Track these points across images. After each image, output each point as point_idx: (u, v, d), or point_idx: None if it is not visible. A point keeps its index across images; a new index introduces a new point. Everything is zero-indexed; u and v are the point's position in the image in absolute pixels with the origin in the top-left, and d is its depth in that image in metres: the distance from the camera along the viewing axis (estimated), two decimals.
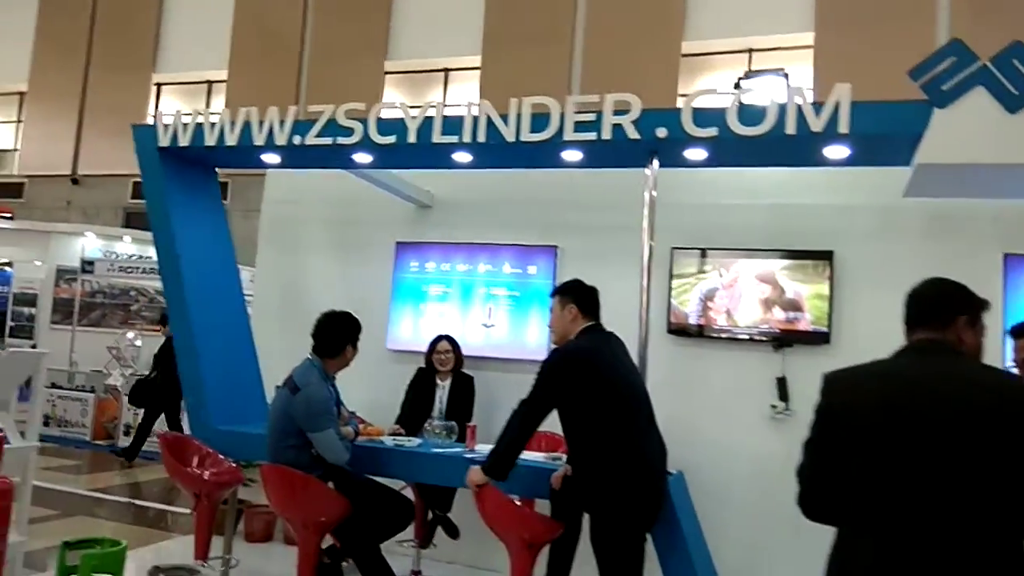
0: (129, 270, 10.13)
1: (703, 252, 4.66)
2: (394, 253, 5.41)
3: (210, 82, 19.98)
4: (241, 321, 4.72)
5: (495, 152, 3.93)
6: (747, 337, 4.51)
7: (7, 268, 14.98)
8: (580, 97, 3.67)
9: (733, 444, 4.40)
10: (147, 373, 8.73)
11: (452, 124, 3.87)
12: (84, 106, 20.17)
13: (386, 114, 4.10)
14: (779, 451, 4.38)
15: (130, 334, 9.57)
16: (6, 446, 3.80)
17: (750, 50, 15.80)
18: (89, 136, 20.17)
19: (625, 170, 4.33)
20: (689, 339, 4.63)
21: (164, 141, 4.43)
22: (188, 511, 6.20)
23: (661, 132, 3.49)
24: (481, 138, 3.80)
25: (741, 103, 3.38)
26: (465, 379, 4.80)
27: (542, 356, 4.91)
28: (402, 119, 3.98)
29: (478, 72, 17.00)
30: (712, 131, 3.41)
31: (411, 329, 5.30)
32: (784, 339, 4.41)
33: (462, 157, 4.07)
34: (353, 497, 3.42)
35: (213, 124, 4.33)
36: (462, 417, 4.62)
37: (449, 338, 4.82)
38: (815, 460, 1.90)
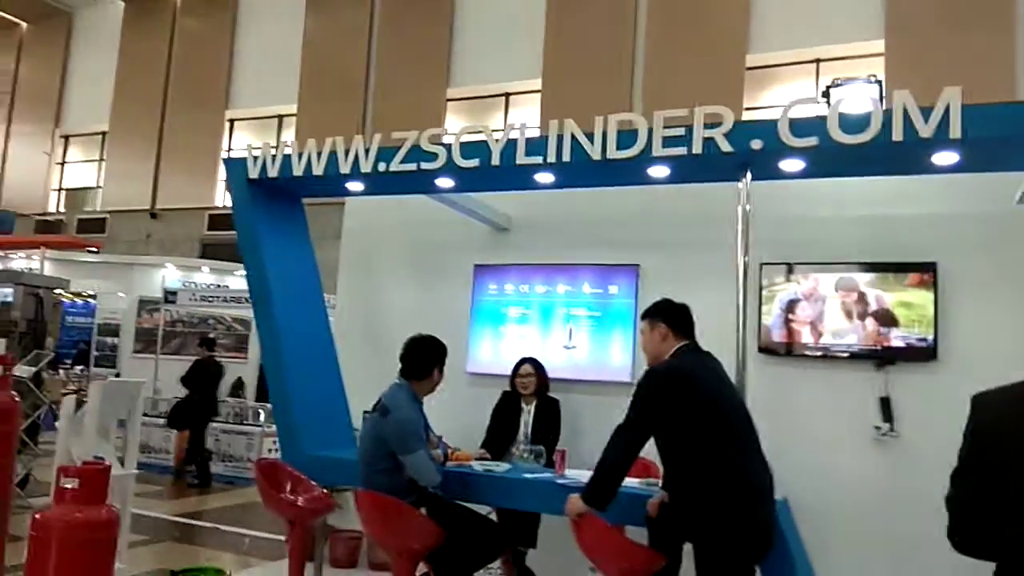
0: (210, 299, 10.44)
1: (791, 268, 4.50)
2: (472, 276, 5.41)
3: (280, 116, 20.66)
4: (328, 348, 4.76)
5: (579, 171, 3.88)
6: (845, 355, 4.31)
7: (91, 300, 15.68)
8: (668, 112, 3.59)
9: (834, 468, 4.18)
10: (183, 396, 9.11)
11: (535, 145, 3.84)
12: (161, 144, 21.10)
13: (467, 137, 4.10)
14: (883, 475, 4.17)
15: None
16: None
17: (817, 60, 15.46)
18: (167, 172, 21.07)
19: (708, 184, 4.23)
20: (781, 358, 4.45)
21: (254, 173, 4.53)
22: (266, 535, 6.30)
23: (756, 144, 3.38)
24: (566, 158, 3.75)
25: (841, 111, 3.25)
26: (551, 402, 4.73)
27: (626, 378, 4.85)
28: (484, 142, 3.97)
29: (538, 95, 17.11)
30: (811, 141, 3.29)
31: (491, 352, 5.26)
32: (886, 356, 4.20)
33: (544, 177, 4.04)
34: (446, 524, 3.38)
35: (300, 155, 4.41)
36: (548, 441, 4.55)
37: (532, 361, 4.76)
38: (965, 487, 1.75)
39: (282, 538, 6.43)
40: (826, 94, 4.80)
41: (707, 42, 15.44)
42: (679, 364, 3.02)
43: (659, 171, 3.78)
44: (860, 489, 4.17)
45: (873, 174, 3.78)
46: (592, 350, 4.97)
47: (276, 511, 3.89)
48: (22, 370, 6.71)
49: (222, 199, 20.71)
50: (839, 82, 4.45)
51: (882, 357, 4.22)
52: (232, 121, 21.17)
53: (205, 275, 14.42)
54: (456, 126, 19.85)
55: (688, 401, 2.89)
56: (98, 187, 22.49)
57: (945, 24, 13.42)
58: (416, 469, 3.43)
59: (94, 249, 14.73)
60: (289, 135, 20.34)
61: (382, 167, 4.22)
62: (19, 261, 13.14)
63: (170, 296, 10.52)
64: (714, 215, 4.70)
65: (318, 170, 4.38)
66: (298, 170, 4.43)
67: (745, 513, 2.78)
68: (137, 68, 21.58)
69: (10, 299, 7.25)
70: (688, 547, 3.15)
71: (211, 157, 20.74)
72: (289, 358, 4.40)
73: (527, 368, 4.71)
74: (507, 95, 18.33)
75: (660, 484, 3.25)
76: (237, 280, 15.01)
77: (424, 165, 4.11)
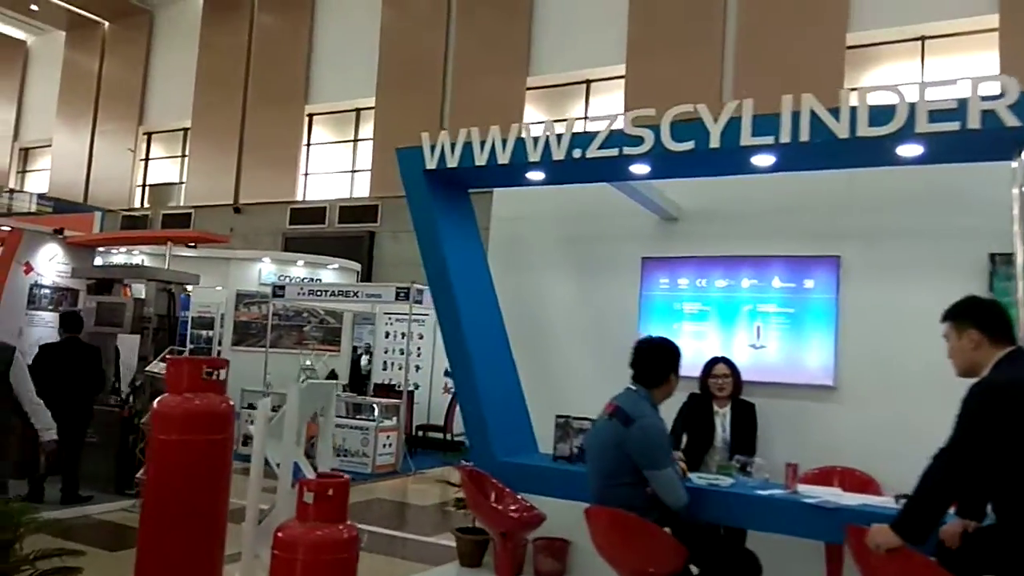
0: (318, 293, 10.35)
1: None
2: (640, 269, 5.07)
3: (358, 109, 20.64)
4: (504, 345, 4.50)
5: (813, 152, 3.49)
6: None
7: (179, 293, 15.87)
8: (937, 84, 3.18)
9: None
10: None
11: (766, 123, 3.47)
12: (243, 138, 21.30)
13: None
14: None
15: (324, 356, 9.74)
16: (298, 479, 3.71)
17: (922, 38, 14.65)
18: (248, 166, 21.27)
19: (919, 167, 3.80)
20: None
21: (431, 163, 4.27)
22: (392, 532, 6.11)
23: None
24: (803, 137, 3.38)
25: None
26: (746, 407, 4.37)
27: (827, 380, 4.46)
28: (699, 121, 3.62)
29: (622, 81, 16.63)
30: None
31: None
32: None
33: (764, 160, 3.67)
34: (692, 546, 3.05)
35: (483, 143, 4.13)
36: (745, 449, 4.20)
37: (727, 360, 4.41)
38: None
39: (408, 536, 6.34)
40: None
41: (804, 19, 14.71)
42: (1018, 377, 2.60)
43: (910, 150, 3.37)
44: None
45: None
46: (784, 350, 4.59)
47: (488, 521, 3.63)
48: (159, 367, 6.65)
49: (302, 193, 20.84)
50: None
51: None
52: (311, 116, 21.25)
53: (299, 269, 14.43)
54: (534, 116, 19.51)
55: None
56: (181, 182, 22.86)
57: None
58: (663, 487, 3.13)
59: (192, 244, 14.74)
60: (367, 130, 20.33)
61: (577, 154, 3.91)
62: (119, 256, 13.31)
63: (278, 290, 10.46)
64: (928, 200, 4.28)
65: (503, 159, 4.09)
66: (480, 159, 4.15)
67: None
68: (217, 64, 21.83)
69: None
70: None
71: (291, 151, 20.87)
72: (476, 356, 4.14)
73: (722, 368, 4.36)
74: (588, 82, 17.91)
75: (954, 511, 2.84)
76: (328, 274, 15.01)
77: (627, 150, 3.78)
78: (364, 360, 13.23)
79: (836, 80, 14.14)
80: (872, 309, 4.35)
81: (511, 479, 3.89)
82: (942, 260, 4.21)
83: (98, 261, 9.15)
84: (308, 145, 21.01)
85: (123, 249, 13.45)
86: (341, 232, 19.10)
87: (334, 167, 20.83)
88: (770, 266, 4.67)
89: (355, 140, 20.91)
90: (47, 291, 7.70)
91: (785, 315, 4.60)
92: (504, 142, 4.09)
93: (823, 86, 3.43)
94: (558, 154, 3.94)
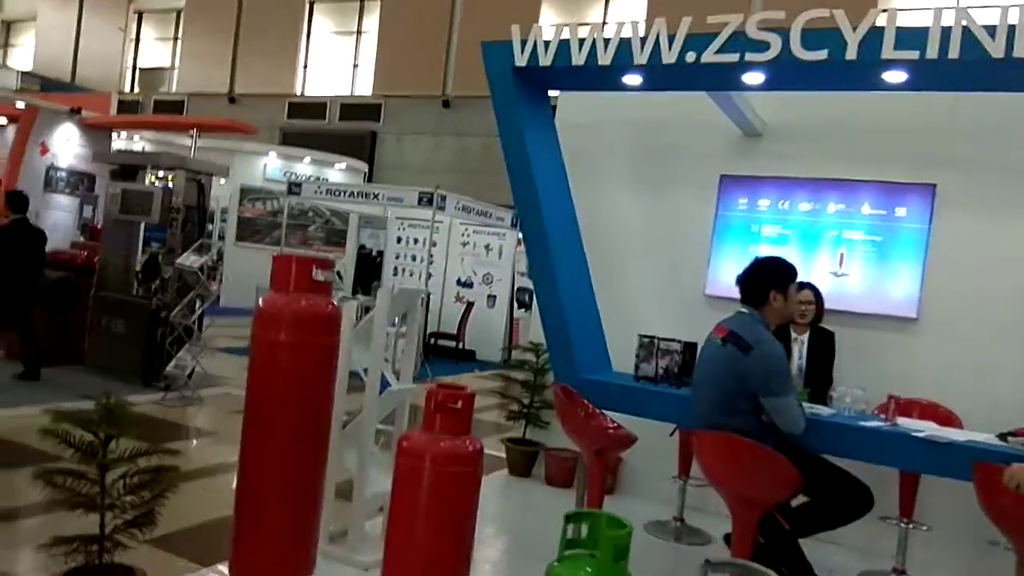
0: (335, 193, 9.99)
1: None
2: (717, 188, 4.86)
3: (363, 0, 19.61)
4: (583, 261, 4.31)
5: (952, 71, 3.25)
6: None
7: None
8: None
9: None
10: None
11: (912, 36, 3.21)
12: (239, 24, 20.24)
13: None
14: None
15: (343, 257, 9.50)
16: (387, 391, 3.57)
17: None
18: (244, 55, 20.29)
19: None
20: None
21: (521, 61, 3.95)
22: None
23: None
24: (952, 54, 3.13)
25: None
26: (825, 335, 4.27)
27: (910, 313, 4.35)
28: (836, 30, 3.34)
29: None
30: None
31: (735, 273, 4.76)
32: None
33: (896, 77, 3.42)
34: (808, 475, 2.99)
35: (582, 42, 3.81)
36: (822, 379, 4.13)
37: (812, 287, 4.27)
38: None
39: None
40: None
41: None
42: None
43: None
44: None
45: None
46: (868, 279, 4.46)
47: (583, 439, 3.54)
48: (189, 260, 6.40)
49: (301, 88, 20.02)
50: None
51: None
52: (312, 3, 20.18)
53: (306, 166, 13.96)
54: (550, 19, 18.74)
55: None
56: (173, 67, 21.82)
57: None
58: (782, 413, 3.04)
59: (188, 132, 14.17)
60: (370, 23, 19.38)
61: (690, 57, 3.62)
62: (119, 142, 12.73)
63: (294, 188, 10.09)
64: None
65: (604, 60, 3.79)
66: (578, 59, 3.84)
67: None
68: None
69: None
70: None
71: (291, 42, 19.91)
72: (560, 270, 3.96)
73: (807, 294, 4.22)
74: None
75: None
76: (335, 173, 14.56)
77: (749, 56, 3.50)
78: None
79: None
80: (965, 242, 4.22)
81: (591, 396, 3.78)
82: None
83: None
84: (308, 35, 20.06)
85: (123, 135, 12.87)
86: (342, 130, 18.50)
87: (335, 61, 19.94)
88: (860, 191, 4.48)
89: (358, 32, 19.96)
90: (63, 174, 7.29)
91: (872, 243, 4.45)
92: (607, 41, 3.78)
93: (857, 4, 3.18)
94: (668, 57, 3.65)
